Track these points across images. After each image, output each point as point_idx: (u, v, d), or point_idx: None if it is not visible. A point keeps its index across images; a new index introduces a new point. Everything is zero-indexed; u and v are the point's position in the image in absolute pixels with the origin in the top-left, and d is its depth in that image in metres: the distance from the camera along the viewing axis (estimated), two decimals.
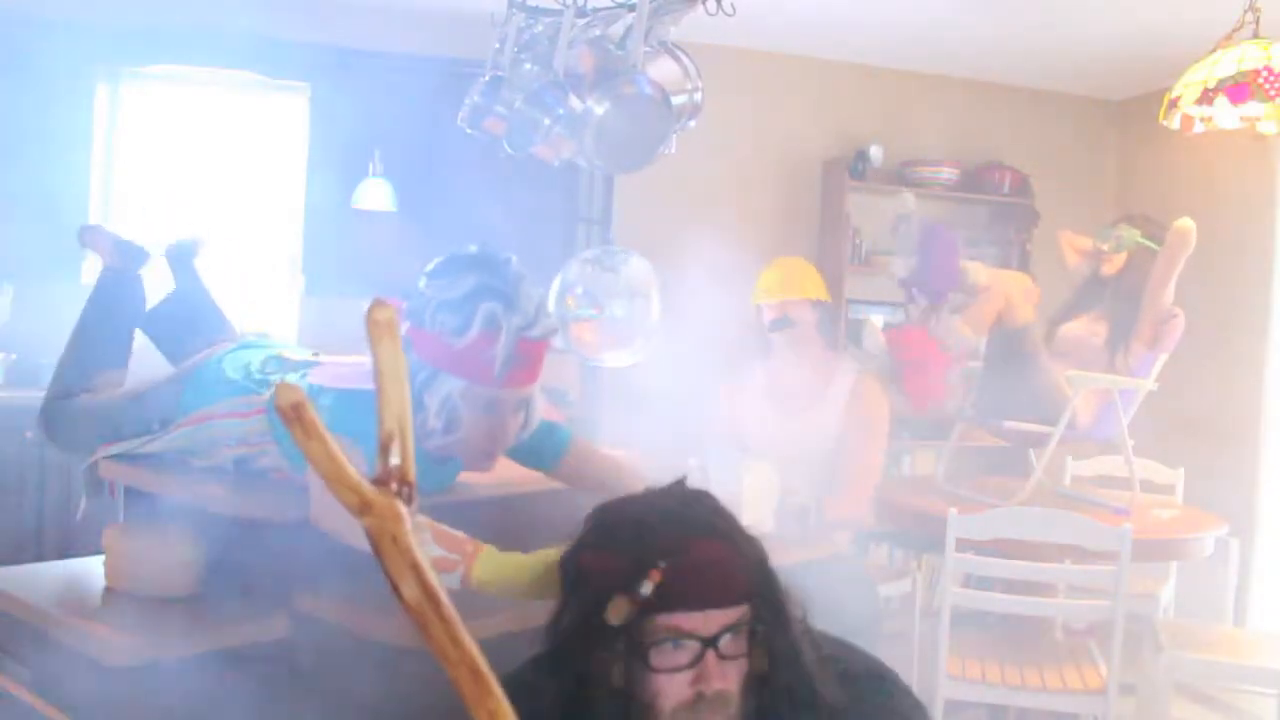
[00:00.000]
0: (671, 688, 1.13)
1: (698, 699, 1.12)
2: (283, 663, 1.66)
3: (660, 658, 1.13)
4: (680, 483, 1.23)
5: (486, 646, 0.99)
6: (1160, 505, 3.42)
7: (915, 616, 3.49)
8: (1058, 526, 2.68)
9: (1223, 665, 2.95)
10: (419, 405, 1.77)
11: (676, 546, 1.13)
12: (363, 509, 0.98)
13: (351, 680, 1.61)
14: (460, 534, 1.52)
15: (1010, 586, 2.86)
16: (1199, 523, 3.15)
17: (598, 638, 1.13)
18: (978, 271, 3.14)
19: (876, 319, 3.14)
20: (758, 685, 1.16)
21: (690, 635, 1.12)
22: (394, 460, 1.00)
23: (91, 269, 4.16)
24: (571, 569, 1.19)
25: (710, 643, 1.12)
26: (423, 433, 1.79)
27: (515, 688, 1.12)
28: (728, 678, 1.13)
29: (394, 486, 0.99)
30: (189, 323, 2.30)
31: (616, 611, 1.11)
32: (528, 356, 1.79)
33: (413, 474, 1.01)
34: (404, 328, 1.81)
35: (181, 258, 2.49)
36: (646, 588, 1.10)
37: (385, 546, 0.97)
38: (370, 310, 1.00)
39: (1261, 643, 3.34)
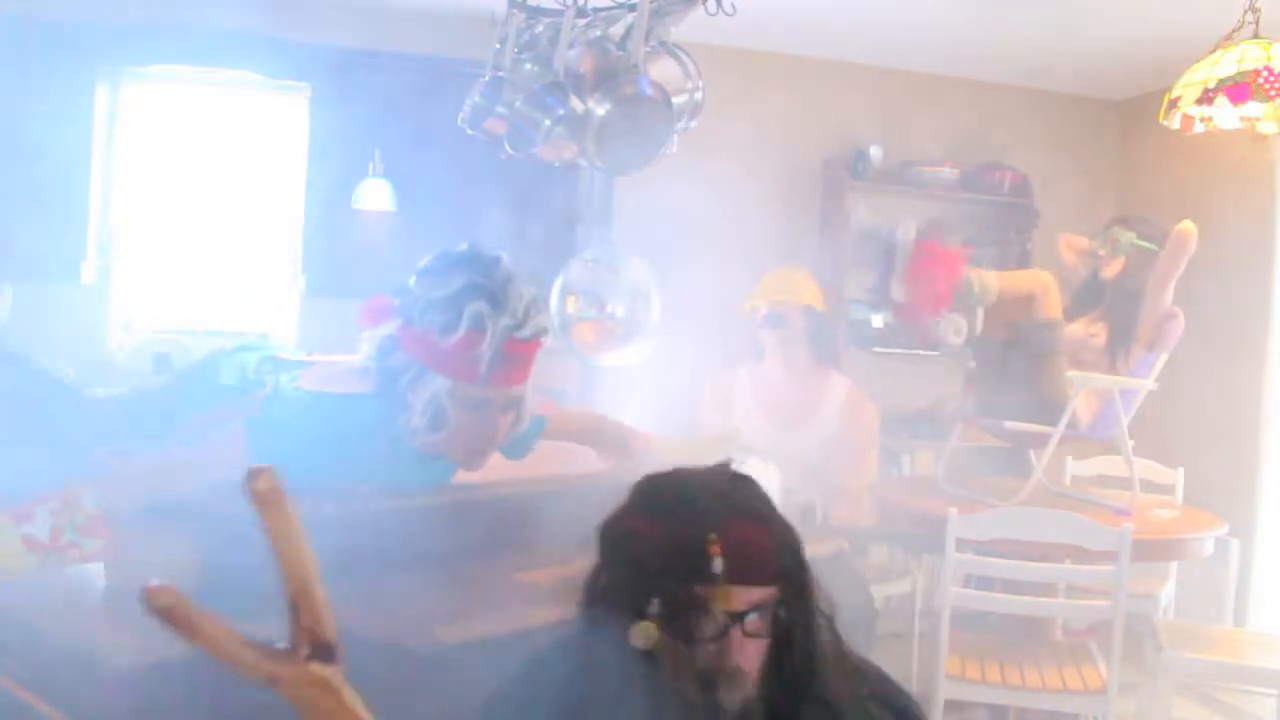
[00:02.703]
0: (694, 658, 1.16)
1: (716, 672, 1.16)
2: None
3: (687, 628, 1.16)
4: (725, 465, 1.27)
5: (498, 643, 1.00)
6: (1160, 505, 3.42)
7: (915, 616, 3.49)
8: (1058, 526, 2.69)
9: (1223, 665, 2.95)
10: (404, 403, 1.77)
11: (720, 521, 1.17)
12: (274, 682, 0.95)
13: (351, 680, 1.61)
14: None
15: (1010, 586, 2.86)
16: (1199, 523, 3.15)
17: (632, 602, 1.17)
18: (985, 279, 3.07)
19: (911, 223, 3.09)
20: (773, 671, 1.20)
21: (718, 609, 1.15)
22: (303, 624, 0.97)
23: (90, 269, 4.16)
24: (612, 535, 1.23)
25: (738, 618, 1.16)
26: (408, 430, 1.80)
27: (546, 669, 1.20)
28: (748, 656, 1.17)
29: (305, 651, 0.97)
30: None
31: (688, 597, 1.14)
32: (516, 356, 1.79)
33: (329, 632, 0.98)
34: (394, 325, 1.82)
35: None
36: (716, 564, 1.14)
37: (305, 715, 0.96)
38: (249, 483, 0.96)
39: (1261, 643, 3.34)
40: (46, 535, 1.72)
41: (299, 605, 0.97)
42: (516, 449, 2.07)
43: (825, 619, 1.25)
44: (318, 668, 0.98)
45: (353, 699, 1.00)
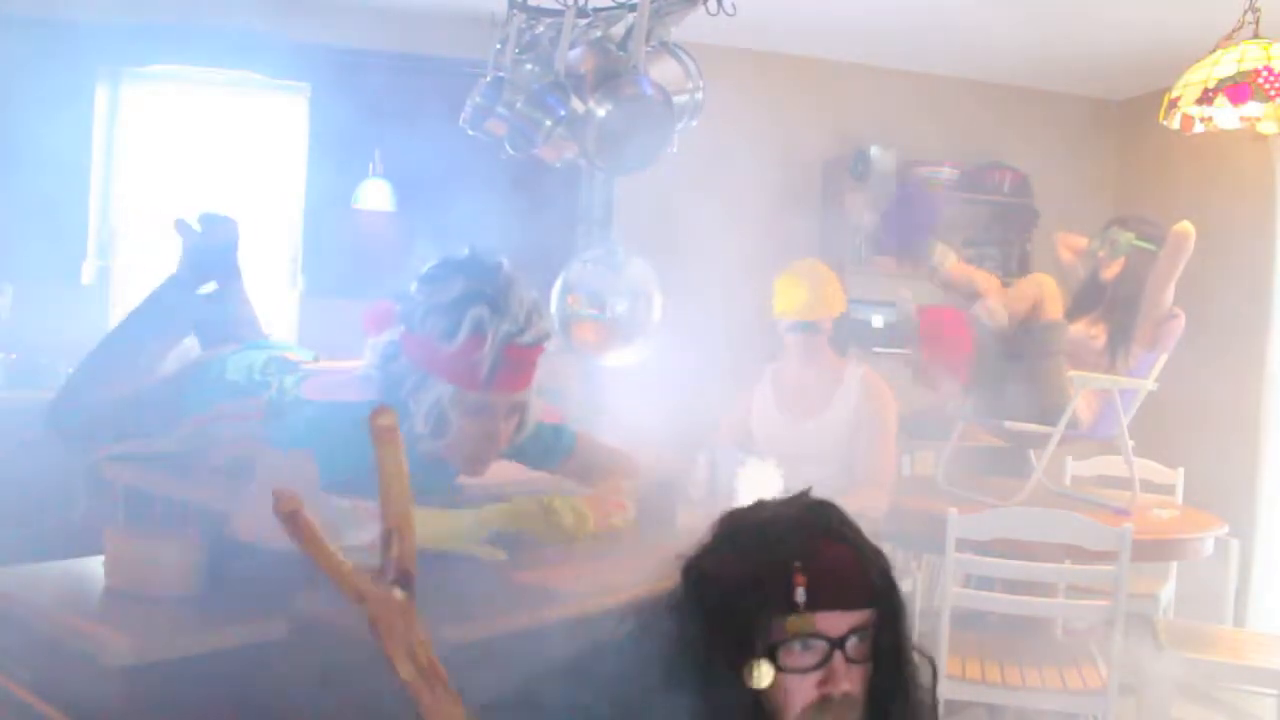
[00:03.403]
0: (800, 689, 1.15)
1: (824, 701, 1.14)
2: (283, 663, 1.66)
3: (789, 658, 1.15)
4: (805, 493, 1.25)
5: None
6: (1160, 505, 3.42)
7: (915, 616, 3.49)
8: (1058, 526, 2.69)
9: (1223, 665, 2.95)
10: (406, 410, 1.77)
11: (806, 549, 1.15)
12: (359, 598, 1.10)
13: (351, 680, 1.61)
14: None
15: (1010, 586, 2.86)
16: (1199, 523, 3.15)
17: (728, 641, 1.15)
18: (946, 254, 3.16)
19: (908, 292, 3.15)
20: (877, 693, 1.18)
21: (819, 636, 1.14)
22: (393, 553, 1.11)
23: (90, 269, 4.16)
24: (696, 576, 1.21)
25: (838, 644, 1.14)
26: (410, 437, 1.79)
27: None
28: (854, 681, 1.15)
29: (390, 576, 1.10)
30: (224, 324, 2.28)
31: (781, 630, 1.13)
32: (517, 362, 1.78)
33: (412, 565, 1.11)
34: (396, 331, 1.81)
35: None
36: (800, 595, 1.13)
37: (382, 631, 1.11)
38: (373, 417, 1.10)
39: (1261, 643, 3.34)
40: None
41: (393, 536, 1.11)
42: (552, 462, 2.09)
43: (911, 638, 1.23)
44: (398, 593, 1.11)
45: (419, 626, 1.12)
